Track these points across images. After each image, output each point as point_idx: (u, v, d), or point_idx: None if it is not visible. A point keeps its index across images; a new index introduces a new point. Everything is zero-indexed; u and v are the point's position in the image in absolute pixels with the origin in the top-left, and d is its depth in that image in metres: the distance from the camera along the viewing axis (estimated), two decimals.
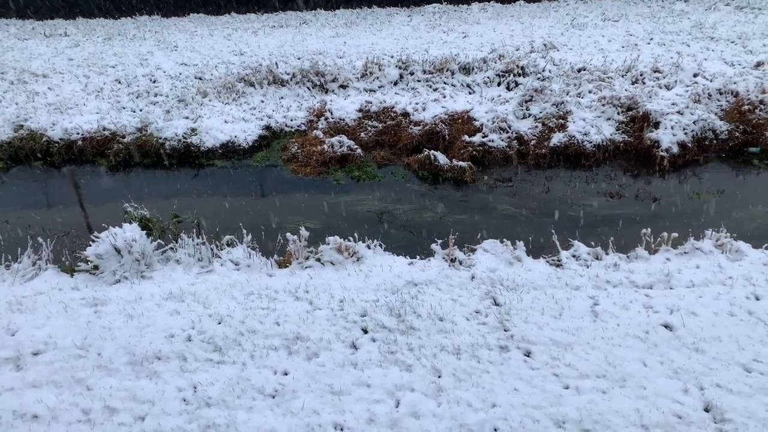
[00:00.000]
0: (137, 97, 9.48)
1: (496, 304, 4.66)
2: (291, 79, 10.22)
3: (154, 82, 9.96)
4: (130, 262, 5.39)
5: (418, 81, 10.27)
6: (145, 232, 5.84)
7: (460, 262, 5.31)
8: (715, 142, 8.11)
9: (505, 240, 5.55)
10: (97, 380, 4.07)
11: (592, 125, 8.39)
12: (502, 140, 8.27)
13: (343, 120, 9.15)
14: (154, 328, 4.58)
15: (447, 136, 8.60)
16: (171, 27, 12.31)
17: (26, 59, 10.60)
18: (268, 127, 9.02)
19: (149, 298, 5.00)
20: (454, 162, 7.83)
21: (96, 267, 5.45)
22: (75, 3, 12.70)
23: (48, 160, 8.41)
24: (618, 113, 8.65)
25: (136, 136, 8.54)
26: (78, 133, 8.60)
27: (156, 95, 9.57)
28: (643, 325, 4.34)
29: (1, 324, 4.71)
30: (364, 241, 5.71)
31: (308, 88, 10.18)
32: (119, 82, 9.93)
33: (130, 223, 6.07)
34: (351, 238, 5.74)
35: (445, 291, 4.84)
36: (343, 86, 10.20)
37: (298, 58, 10.84)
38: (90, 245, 5.58)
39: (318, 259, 5.49)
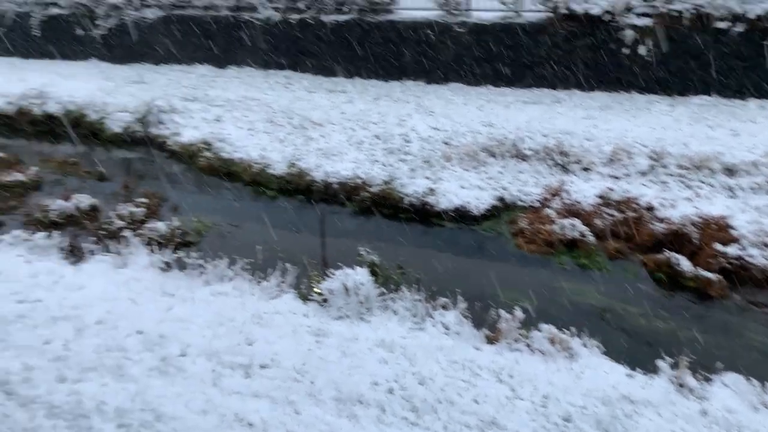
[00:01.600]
0: (389, 153, 10.43)
1: None
2: (533, 155, 10.27)
3: (407, 141, 10.86)
4: (355, 302, 5.87)
5: (670, 175, 9.50)
6: (372, 277, 6.34)
7: (691, 390, 4.68)
8: None
9: (752, 379, 4.75)
10: (306, 407, 4.46)
11: None
12: (765, 258, 7.17)
13: (579, 203, 8.85)
14: (363, 371, 4.89)
15: (695, 240, 7.75)
16: (430, 93, 13.37)
17: (310, 109, 12.45)
18: (501, 199, 9.15)
19: (364, 341, 5.36)
20: (699, 271, 7.00)
21: (325, 300, 6.05)
22: (354, 69, 14.65)
23: (307, 197, 9.65)
24: None
25: (381, 188, 9.37)
26: (335, 178, 9.74)
27: (406, 154, 10.42)
28: None
29: (243, 332, 5.47)
30: (579, 337, 5.40)
31: (549, 165, 10.12)
32: (377, 138, 11.04)
33: (361, 266, 6.62)
34: (566, 331, 5.47)
35: (666, 419, 4.30)
36: (585, 169, 9.91)
37: (544, 135, 10.87)
38: (325, 280, 6.24)
39: (528, 345, 5.33)
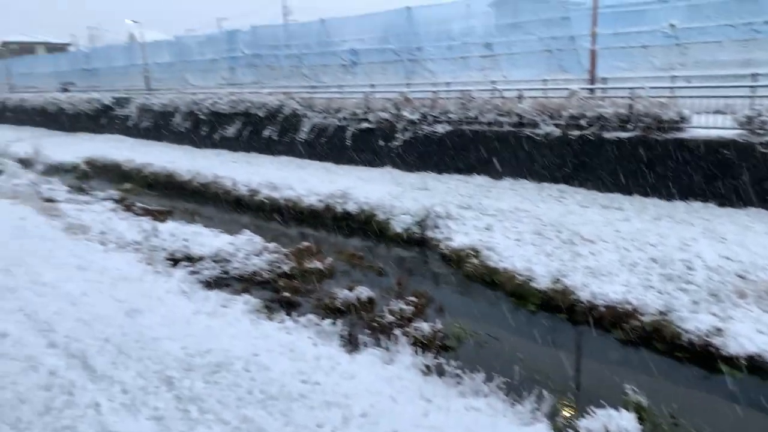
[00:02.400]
0: (667, 281, 9.49)
1: None
2: None
3: (690, 269, 9.76)
4: None
5: None
6: (639, 424, 5.72)
7: None
8: None
9: None
10: None
11: None
12: None
13: None
14: None
15: None
16: (723, 217, 11.91)
17: (581, 224, 12.17)
18: None
19: None
20: None
21: None
22: (633, 187, 14.06)
23: (570, 316, 9.26)
24: None
25: (655, 318, 8.53)
26: (602, 300, 9.21)
27: (687, 283, 9.36)
28: None
29: None
30: None
31: None
32: (654, 262, 10.18)
33: (626, 407, 6.05)
34: None
35: None
36: None
37: None
38: (584, 416, 5.83)
39: None
